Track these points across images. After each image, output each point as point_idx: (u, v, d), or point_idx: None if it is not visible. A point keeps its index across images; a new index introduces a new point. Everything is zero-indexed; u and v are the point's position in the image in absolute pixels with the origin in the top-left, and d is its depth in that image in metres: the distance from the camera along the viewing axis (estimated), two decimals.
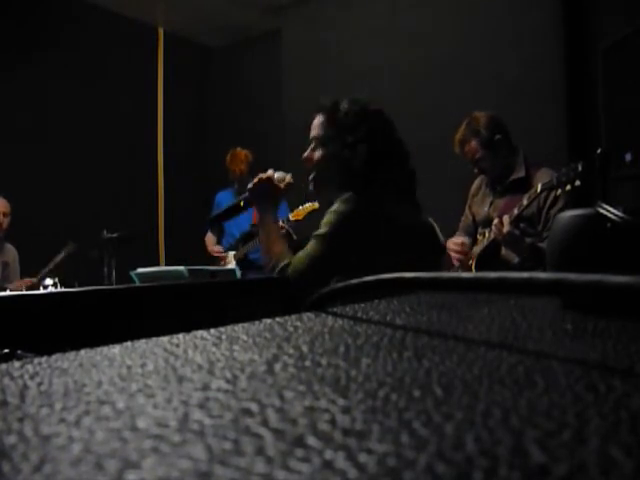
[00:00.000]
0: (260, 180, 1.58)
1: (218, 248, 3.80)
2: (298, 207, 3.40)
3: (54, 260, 3.08)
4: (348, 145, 1.45)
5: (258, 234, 3.55)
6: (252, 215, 3.74)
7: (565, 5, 2.94)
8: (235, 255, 3.70)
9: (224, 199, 3.92)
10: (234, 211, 1.77)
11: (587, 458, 0.13)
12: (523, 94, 2.88)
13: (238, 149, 3.82)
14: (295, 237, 3.47)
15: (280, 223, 3.46)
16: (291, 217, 3.38)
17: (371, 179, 1.45)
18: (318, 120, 1.55)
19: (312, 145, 1.54)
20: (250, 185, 1.61)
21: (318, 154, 1.52)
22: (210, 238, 3.96)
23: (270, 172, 1.62)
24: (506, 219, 2.04)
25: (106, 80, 4.23)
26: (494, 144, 2.27)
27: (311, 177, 1.55)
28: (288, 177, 1.63)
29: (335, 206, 1.45)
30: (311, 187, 1.58)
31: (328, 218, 1.45)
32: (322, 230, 1.45)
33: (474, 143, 2.29)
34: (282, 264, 1.51)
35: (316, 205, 3.30)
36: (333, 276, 1.41)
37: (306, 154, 1.56)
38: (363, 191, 1.44)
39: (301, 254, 1.47)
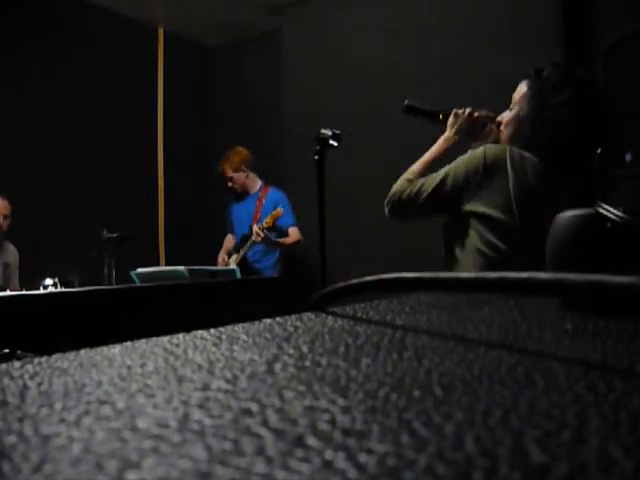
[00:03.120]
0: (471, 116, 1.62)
1: (223, 258, 3.81)
2: (265, 215, 3.56)
3: None
4: (550, 106, 1.42)
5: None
6: (252, 216, 3.74)
7: (565, 5, 2.94)
8: (235, 259, 3.69)
9: (239, 211, 3.90)
10: (429, 115, 1.71)
11: (587, 458, 0.13)
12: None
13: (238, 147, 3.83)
14: (273, 240, 3.65)
15: (258, 229, 3.59)
16: (264, 225, 3.50)
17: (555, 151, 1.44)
18: (521, 84, 1.57)
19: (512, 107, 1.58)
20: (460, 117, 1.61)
21: (509, 114, 1.57)
22: (229, 240, 3.93)
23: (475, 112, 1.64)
24: None
25: (106, 80, 4.23)
26: None
27: (503, 137, 1.57)
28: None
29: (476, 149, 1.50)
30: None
31: (462, 157, 1.50)
32: (451, 165, 1.51)
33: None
34: (410, 178, 1.57)
35: (280, 212, 3.50)
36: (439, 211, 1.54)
37: (502, 116, 1.61)
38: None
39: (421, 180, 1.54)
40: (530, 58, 2.93)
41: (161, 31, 4.81)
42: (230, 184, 3.78)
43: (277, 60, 4.19)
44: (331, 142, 1.84)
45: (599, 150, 0.48)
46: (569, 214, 0.44)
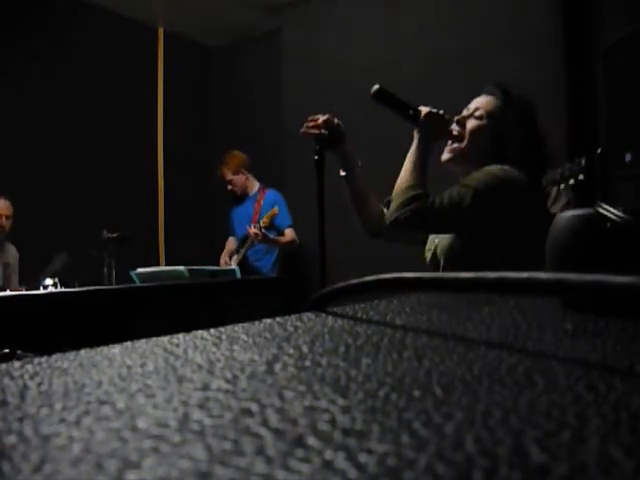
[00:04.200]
0: (435, 115, 1.60)
1: (225, 260, 3.84)
2: (263, 216, 3.63)
3: (49, 268, 3.01)
4: (510, 125, 1.58)
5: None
6: (251, 218, 3.76)
7: (565, 5, 2.94)
8: (235, 259, 3.72)
9: (238, 213, 3.93)
10: (400, 106, 1.64)
11: (587, 458, 0.13)
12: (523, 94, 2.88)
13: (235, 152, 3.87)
14: (272, 237, 3.74)
15: (255, 229, 3.66)
16: (262, 224, 3.57)
17: (512, 160, 1.54)
18: (488, 98, 1.66)
19: (472, 114, 1.62)
20: (426, 112, 1.59)
21: (478, 123, 1.60)
22: (231, 242, 3.95)
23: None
24: None
25: (106, 80, 4.23)
26: None
27: (465, 143, 1.60)
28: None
29: (488, 169, 1.49)
30: (452, 153, 1.61)
31: (480, 176, 1.48)
32: (472, 183, 1.47)
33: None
34: (416, 193, 1.51)
35: (276, 210, 3.58)
36: (453, 231, 1.51)
37: (460, 117, 1.63)
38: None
39: (444, 195, 1.48)
40: (530, 58, 2.94)
41: (161, 31, 4.81)
42: (230, 187, 3.85)
43: (277, 60, 4.19)
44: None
45: (599, 150, 0.48)
46: (569, 214, 0.44)
